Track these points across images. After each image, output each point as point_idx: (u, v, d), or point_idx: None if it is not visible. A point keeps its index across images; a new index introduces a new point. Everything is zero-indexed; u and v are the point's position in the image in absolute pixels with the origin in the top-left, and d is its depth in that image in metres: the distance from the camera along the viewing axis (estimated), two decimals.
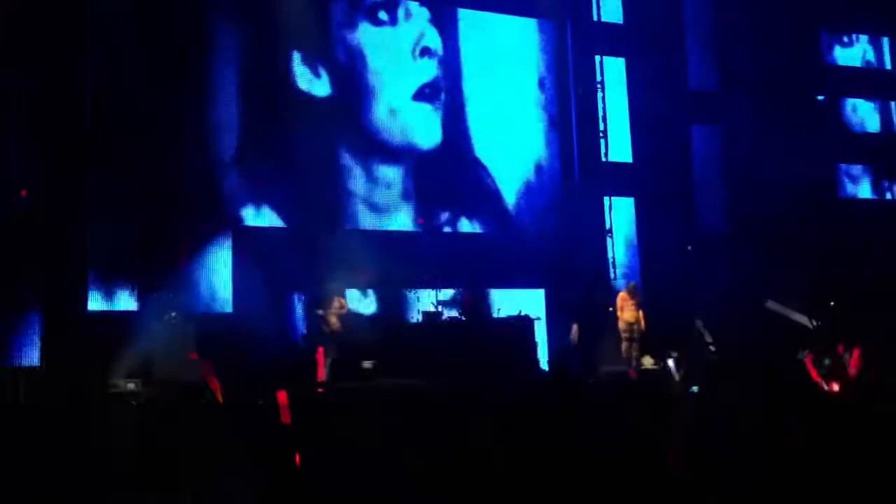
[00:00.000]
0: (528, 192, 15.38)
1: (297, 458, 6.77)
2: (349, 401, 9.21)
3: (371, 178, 13.90)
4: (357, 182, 13.78)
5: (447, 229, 14.51)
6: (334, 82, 13.66)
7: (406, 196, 14.12)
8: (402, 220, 14.19)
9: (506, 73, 15.24)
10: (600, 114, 16.04)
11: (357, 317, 12.38)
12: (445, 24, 14.74)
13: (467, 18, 15.08)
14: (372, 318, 12.55)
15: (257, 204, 13.02)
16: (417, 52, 14.34)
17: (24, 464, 5.98)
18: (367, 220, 13.85)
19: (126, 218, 11.95)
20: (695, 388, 8.66)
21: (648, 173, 15.91)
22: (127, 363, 11.26)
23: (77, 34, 11.80)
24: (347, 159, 13.73)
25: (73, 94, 11.75)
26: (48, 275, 11.23)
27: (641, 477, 5.40)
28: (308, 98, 13.39)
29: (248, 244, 12.64)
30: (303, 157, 12.78)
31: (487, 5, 15.30)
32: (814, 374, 11.60)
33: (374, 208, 13.89)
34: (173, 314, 11.59)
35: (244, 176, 12.76)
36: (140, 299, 12.07)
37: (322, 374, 11.69)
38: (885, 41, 18.88)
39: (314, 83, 13.49)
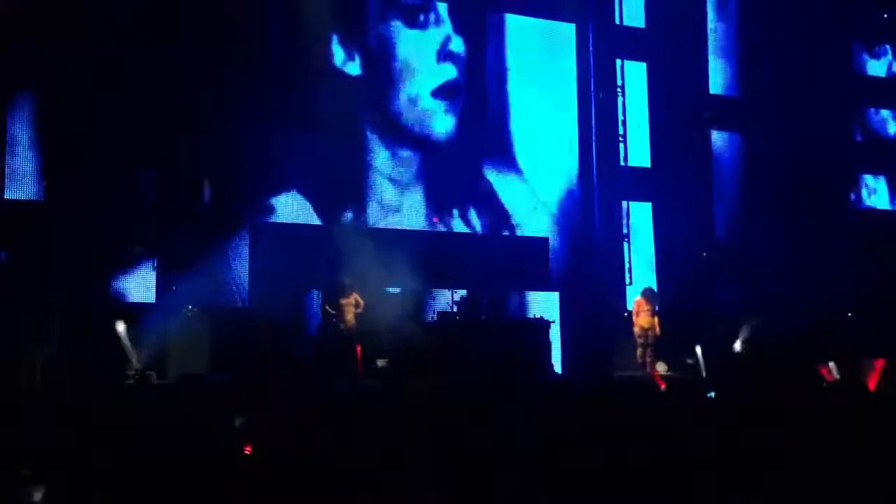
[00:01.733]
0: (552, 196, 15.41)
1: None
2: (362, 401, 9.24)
3: (390, 156, 14.23)
4: (377, 158, 14.13)
5: (460, 226, 14.54)
6: (365, 65, 14.10)
7: (418, 178, 14.34)
8: (416, 211, 14.30)
9: (532, 76, 15.34)
10: (620, 118, 16.01)
11: (375, 314, 12.37)
12: (472, 30, 14.93)
13: (494, 24, 15.23)
14: (390, 316, 12.51)
15: (286, 189, 13.25)
16: (442, 55, 14.59)
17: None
18: (388, 194, 14.12)
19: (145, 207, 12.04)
20: (712, 394, 8.64)
21: (667, 178, 15.86)
22: (143, 355, 11.36)
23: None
24: (371, 137, 14.15)
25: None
26: (67, 266, 11.27)
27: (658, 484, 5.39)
28: (341, 75, 13.84)
29: (267, 239, 12.65)
30: (331, 133, 13.06)
31: (510, 8, 15.28)
32: (829, 379, 11.63)
33: (394, 183, 14.16)
34: (190, 307, 11.67)
35: (274, 153, 12.91)
36: (158, 292, 12.11)
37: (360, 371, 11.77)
38: None
39: (347, 64, 14.00)
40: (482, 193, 14.80)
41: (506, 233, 14.81)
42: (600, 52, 15.78)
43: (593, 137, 15.67)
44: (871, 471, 5.08)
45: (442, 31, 14.66)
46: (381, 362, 12.14)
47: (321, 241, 12.81)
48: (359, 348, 11.88)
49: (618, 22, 16.17)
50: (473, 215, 14.70)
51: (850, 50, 18.12)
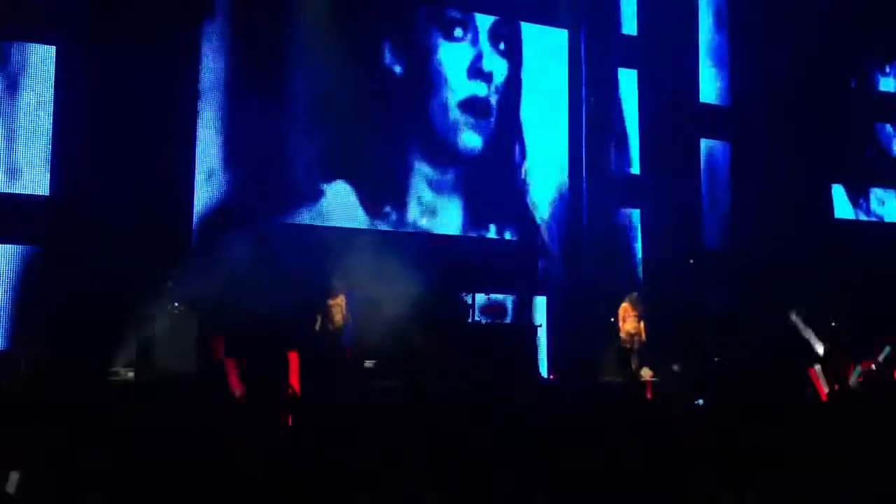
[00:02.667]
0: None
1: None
2: (352, 402, 9.22)
3: (428, 161, 14.56)
4: (418, 160, 14.47)
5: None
6: (408, 68, 14.46)
7: (455, 186, 14.67)
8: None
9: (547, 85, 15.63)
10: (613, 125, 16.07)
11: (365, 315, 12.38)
12: (506, 46, 15.21)
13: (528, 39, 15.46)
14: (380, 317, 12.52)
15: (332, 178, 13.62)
16: (473, 71, 14.92)
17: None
18: (426, 197, 14.45)
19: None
20: (700, 402, 8.67)
21: (655, 185, 15.91)
22: (128, 352, 11.29)
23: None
24: (412, 138, 14.52)
25: None
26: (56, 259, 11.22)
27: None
28: (390, 73, 14.22)
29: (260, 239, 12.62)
30: (376, 128, 13.49)
31: (506, 13, 15.32)
32: (819, 385, 11.69)
33: (431, 186, 14.47)
34: (176, 304, 11.60)
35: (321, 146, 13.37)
36: (145, 289, 12.03)
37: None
38: None
39: (394, 65, 14.38)
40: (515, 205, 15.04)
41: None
42: (593, 58, 15.82)
43: (583, 143, 15.70)
44: (861, 471, 5.11)
45: (477, 46, 14.94)
46: (368, 363, 12.12)
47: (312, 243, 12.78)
48: (348, 350, 11.89)
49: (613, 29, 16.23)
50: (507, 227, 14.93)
51: (844, 62, 18.24)
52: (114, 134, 11.81)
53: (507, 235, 14.98)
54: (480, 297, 13.39)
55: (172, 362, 10.78)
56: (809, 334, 13.24)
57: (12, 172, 11.91)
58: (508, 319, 13.42)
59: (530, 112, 15.41)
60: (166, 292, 11.62)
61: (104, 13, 11.81)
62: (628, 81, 16.22)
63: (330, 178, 13.62)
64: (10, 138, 11.89)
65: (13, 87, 11.91)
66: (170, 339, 11.17)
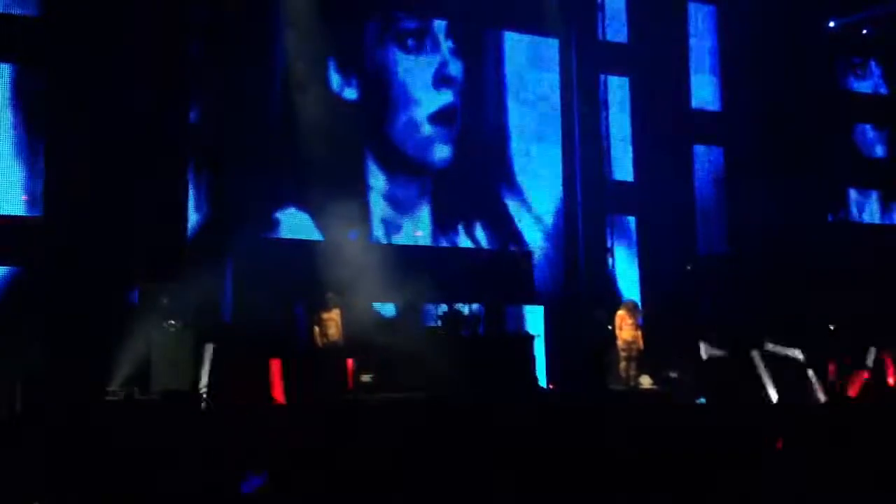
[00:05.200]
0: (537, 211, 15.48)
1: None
2: (353, 414, 9.20)
3: (390, 181, 14.37)
4: (377, 182, 14.25)
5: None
6: (363, 90, 14.28)
7: (421, 198, 14.46)
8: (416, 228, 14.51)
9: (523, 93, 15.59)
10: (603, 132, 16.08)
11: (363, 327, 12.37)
12: (468, 52, 15.10)
13: (490, 43, 15.41)
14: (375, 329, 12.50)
15: (285, 205, 13.39)
16: (438, 80, 14.80)
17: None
18: (388, 215, 14.30)
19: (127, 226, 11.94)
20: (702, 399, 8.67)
21: (650, 192, 15.93)
22: (125, 370, 11.23)
23: None
24: (370, 161, 14.28)
25: None
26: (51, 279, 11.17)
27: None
28: (339, 100, 13.93)
29: (251, 253, 12.56)
30: (329, 156, 13.10)
31: (492, 23, 15.34)
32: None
33: (393, 203, 14.31)
34: (172, 322, 11.56)
35: (273, 174, 13.08)
36: (140, 306, 12.00)
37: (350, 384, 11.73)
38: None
39: (345, 88, 14.14)
40: (487, 211, 14.95)
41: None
42: (584, 66, 15.85)
43: (577, 152, 15.71)
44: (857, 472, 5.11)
45: (439, 55, 14.80)
46: (365, 377, 12.08)
47: (306, 255, 12.73)
48: (350, 362, 11.85)
49: (600, 37, 16.25)
50: (479, 233, 14.81)
51: (831, 66, 18.32)
52: (102, 155, 11.76)
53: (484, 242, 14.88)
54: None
55: (170, 380, 10.76)
56: (785, 351, 13.29)
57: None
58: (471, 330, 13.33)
59: (520, 119, 15.41)
60: (161, 309, 11.59)
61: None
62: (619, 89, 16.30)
63: (282, 205, 13.40)
64: None
65: None
66: (166, 356, 11.15)
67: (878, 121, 18.60)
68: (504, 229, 15.13)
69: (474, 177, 14.89)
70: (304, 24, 13.23)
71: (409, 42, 14.65)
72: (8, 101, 11.91)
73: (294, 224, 13.46)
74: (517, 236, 15.19)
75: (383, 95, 14.42)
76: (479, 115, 15.13)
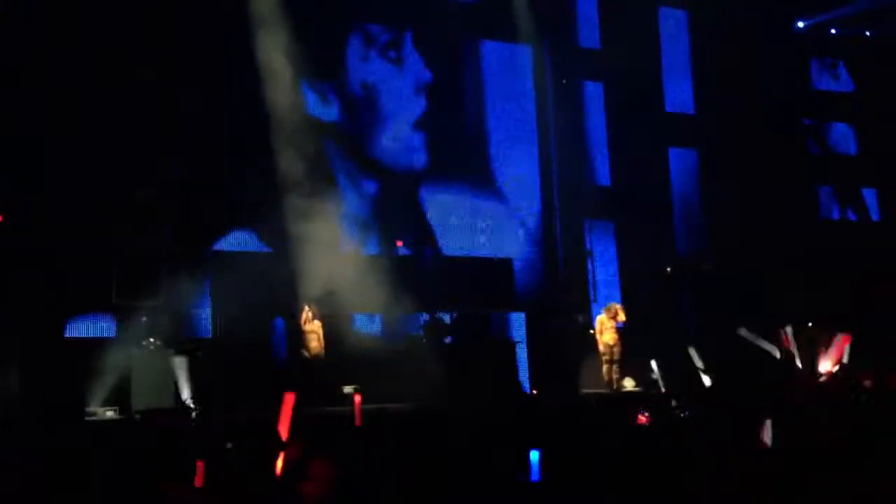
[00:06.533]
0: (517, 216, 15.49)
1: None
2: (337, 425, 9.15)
3: (366, 198, 14.32)
4: (352, 202, 14.10)
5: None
6: (342, 109, 14.27)
7: (394, 216, 14.35)
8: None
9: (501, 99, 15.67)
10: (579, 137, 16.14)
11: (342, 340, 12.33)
12: (445, 60, 15.17)
13: (468, 52, 15.51)
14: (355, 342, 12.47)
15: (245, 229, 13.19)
16: (418, 88, 14.85)
17: None
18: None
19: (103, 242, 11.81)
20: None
21: (627, 196, 15.99)
22: (104, 390, 11.10)
23: None
24: (344, 181, 14.19)
25: None
26: (26, 298, 11.01)
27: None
28: (316, 123, 13.76)
29: (228, 268, 12.46)
30: (304, 180, 12.90)
31: (471, 31, 15.38)
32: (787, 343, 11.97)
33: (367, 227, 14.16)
34: (151, 340, 11.45)
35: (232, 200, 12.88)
36: (118, 325, 11.88)
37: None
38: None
39: (323, 109, 14.08)
40: (466, 217, 14.99)
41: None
42: (558, 72, 15.92)
43: (553, 157, 15.76)
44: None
45: (417, 63, 14.85)
46: (347, 389, 12.01)
47: (280, 268, 12.64)
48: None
49: (573, 43, 16.35)
50: (459, 240, 14.90)
51: (804, 66, 18.52)
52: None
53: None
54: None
55: (150, 399, 10.65)
56: (762, 343, 13.47)
57: None
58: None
59: (497, 127, 15.48)
60: (140, 327, 11.49)
61: None
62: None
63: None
64: None
65: None
66: (146, 375, 11.03)
67: (849, 119, 18.81)
68: (483, 236, 15.12)
69: (452, 184, 14.87)
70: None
71: (391, 54, 14.72)
72: None
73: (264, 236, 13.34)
74: (497, 243, 15.18)
75: (360, 106, 14.42)
76: (456, 123, 15.12)
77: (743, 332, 13.76)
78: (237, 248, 13.04)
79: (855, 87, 18.93)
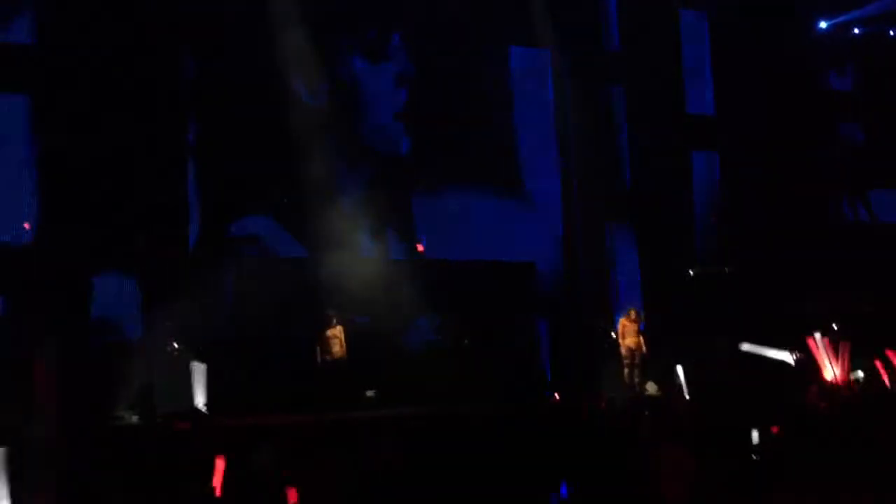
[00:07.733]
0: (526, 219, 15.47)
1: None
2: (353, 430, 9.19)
3: (387, 202, 14.24)
4: (373, 206, 14.07)
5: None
6: (331, 97, 14.22)
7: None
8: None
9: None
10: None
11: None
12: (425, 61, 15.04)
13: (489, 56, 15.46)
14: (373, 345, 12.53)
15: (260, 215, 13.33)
16: (399, 83, 14.81)
17: None
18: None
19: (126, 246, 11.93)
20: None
21: (648, 200, 15.93)
22: (129, 394, 11.19)
23: None
24: (340, 161, 14.12)
25: None
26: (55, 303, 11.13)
27: None
28: (308, 107, 13.82)
29: (250, 272, 12.55)
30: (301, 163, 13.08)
31: (488, 38, 15.39)
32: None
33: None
34: (175, 345, 11.54)
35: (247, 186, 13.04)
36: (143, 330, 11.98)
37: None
38: None
39: (313, 96, 14.06)
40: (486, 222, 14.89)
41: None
42: (578, 76, 15.89)
43: (572, 161, 15.73)
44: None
45: (398, 62, 14.85)
46: (370, 393, 12.08)
47: (304, 273, 12.72)
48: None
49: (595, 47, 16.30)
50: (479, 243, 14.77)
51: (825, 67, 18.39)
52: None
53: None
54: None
55: (174, 403, 10.73)
56: (769, 352, 13.42)
57: None
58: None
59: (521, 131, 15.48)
60: (164, 331, 11.59)
61: None
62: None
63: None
64: None
65: None
66: (169, 379, 11.12)
67: (870, 120, 18.64)
68: (505, 240, 15.10)
69: (473, 189, 14.90)
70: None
71: (373, 51, 14.72)
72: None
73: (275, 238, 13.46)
74: (519, 247, 15.16)
75: (351, 100, 14.49)
76: (481, 127, 15.11)
77: (746, 346, 13.73)
78: (260, 253, 13.14)
79: (874, 89, 18.77)
